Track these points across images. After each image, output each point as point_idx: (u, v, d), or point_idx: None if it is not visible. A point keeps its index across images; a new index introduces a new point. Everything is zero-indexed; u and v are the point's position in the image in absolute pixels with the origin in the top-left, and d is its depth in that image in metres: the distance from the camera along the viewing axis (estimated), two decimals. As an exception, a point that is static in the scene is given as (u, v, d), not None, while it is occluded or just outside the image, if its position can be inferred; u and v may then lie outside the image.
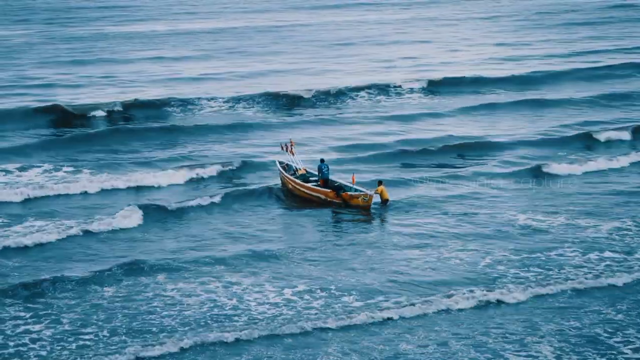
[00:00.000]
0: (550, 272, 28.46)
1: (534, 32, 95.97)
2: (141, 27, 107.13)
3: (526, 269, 28.78)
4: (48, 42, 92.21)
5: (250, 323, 25.02)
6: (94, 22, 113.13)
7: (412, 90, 63.07)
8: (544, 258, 29.72)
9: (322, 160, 37.77)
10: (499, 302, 26.38)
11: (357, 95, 61.30)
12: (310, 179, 37.69)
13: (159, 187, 39.55)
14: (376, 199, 35.84)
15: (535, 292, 26.91)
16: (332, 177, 37.43)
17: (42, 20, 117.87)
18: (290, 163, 38.98)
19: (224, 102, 58.86)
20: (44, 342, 24.01)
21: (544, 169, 41.13)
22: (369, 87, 63.00)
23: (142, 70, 72.88)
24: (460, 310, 25.94)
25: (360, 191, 35.76)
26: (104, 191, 38.73)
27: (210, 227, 33.67)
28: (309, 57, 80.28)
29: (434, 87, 63.72)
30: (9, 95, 60.84)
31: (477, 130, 51.00)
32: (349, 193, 35.73)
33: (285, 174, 38.01)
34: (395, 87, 63.43)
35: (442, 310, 25.91)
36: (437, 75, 67.12)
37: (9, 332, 24.64)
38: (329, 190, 36.22)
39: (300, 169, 38.36)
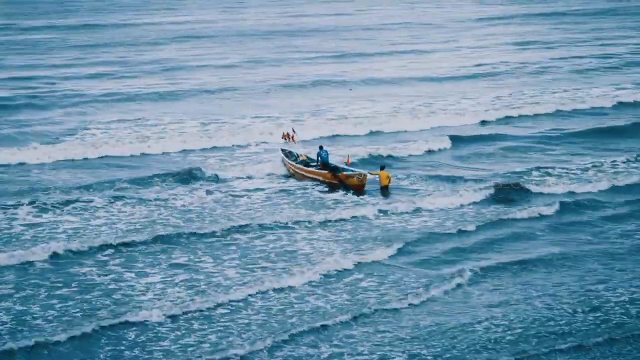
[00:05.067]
0: None
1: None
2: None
3: None
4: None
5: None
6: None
7: None
8: None
9: (320, 147, 41.80)
10: None
11: None
12: (311, 164, 41.64)
13: None
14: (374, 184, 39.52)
15: None
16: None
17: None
18: (292, 150, 43.04)
19: None
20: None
21: None
22: None
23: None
24: None
25: (355, 172, 39.66)
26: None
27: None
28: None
29: None
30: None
31: None
32: (344, 173, 39.66)
33: (288, 160, 42.07)
34: None
35: None
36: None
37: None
38: (326, 172, 40.17)
39: (301, 155, 42.41)
